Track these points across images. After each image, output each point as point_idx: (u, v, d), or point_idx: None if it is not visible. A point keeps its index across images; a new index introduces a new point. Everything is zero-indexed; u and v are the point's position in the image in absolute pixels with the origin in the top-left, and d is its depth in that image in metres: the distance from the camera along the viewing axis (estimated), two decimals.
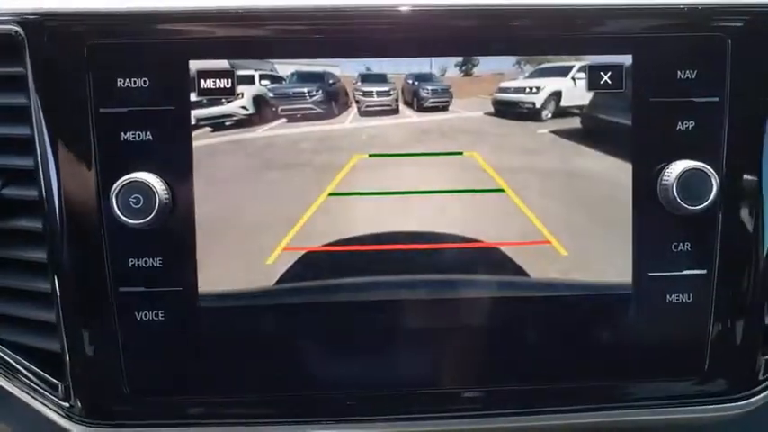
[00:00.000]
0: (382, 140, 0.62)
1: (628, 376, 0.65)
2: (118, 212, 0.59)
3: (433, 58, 0.62)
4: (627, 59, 0.62)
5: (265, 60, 0.61)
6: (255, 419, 0.64)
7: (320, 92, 0.62)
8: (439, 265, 0.63)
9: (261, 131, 0.62)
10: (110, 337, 0.62)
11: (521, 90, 0.64)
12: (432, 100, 0.63)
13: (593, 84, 0.63)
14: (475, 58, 0.63)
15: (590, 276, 0.64)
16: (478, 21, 0.62)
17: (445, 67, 0.62)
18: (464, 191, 0.63)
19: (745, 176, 0.64)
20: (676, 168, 0.62)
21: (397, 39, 0.62)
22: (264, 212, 0.62)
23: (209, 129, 0.61)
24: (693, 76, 0.63)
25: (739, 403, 0.66)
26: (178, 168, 0.61)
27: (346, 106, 0.63)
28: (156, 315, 0.62)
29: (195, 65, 0.60)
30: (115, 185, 0.59)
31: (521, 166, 0.64)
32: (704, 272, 0.64)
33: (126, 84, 0.60)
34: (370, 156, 0.62)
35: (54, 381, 0.64)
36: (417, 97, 0.63)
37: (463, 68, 0.63)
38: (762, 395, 0.66)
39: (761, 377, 0.66)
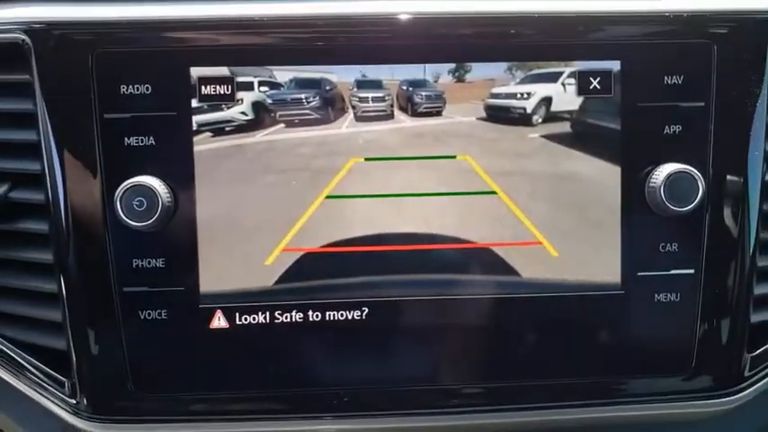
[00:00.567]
0: (378, 144, 0.64)
1: (616, 373, 0.67)
2: (122, 215, 0.61)
3: (427, 65, 0.64)
4: (615, 65, 0.64)
5: (264, 67, 0.63)
6: (256, 415, 0.66)
7: (317, 98, 0.64)
8: (433, 265, 0.65)
9: (260, 136, 0.64)
10: (114, 336, 0.64)
11: (512, 95, 0.66)
12: (426, 105, 0.65)
13: (582, 89, 0.65)
14: (467, 64, 0.64)
15: (580, 276, 0.66)
16: (471, 28, 0.64)
17: (438, 73, 0.64)
18: (457, 193, 0.65)
19: (730, 179, 0.66)
20: (663, 171, 0.63)
21: (392, 46, 0.64)
22: (263, 215, 0.64)
23: (209, 134, 0.63)
24: (680, 82, 0.65)
25: (725, 399, 0.68)
26: (180, 172, 0.63)
27: (343, 111, 0.64)
28: (159, 314, 0.64)
29: (196, 72, 0.62)
30: (119, 189, 0.61)
31: (512, 169, 0.66)
32: (691, 271, 0.66)
33: (129, 90, 0.62)
34: (366, 159, 0.64)
35: (60, 378, 0.66)
36: (412, 103, 0.65)
37: (456, 74, 0.65)
38: (747, 391, 0.68)
39: (746, 374, 0.68)
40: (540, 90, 0.65)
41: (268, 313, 0.65)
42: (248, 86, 0.63)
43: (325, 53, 0.63)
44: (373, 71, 0.64)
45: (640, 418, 0.68)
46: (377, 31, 0.63)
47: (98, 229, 0.63)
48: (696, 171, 0.63)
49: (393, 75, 0.64)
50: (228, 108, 0.63)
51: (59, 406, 0.66)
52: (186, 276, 0.64)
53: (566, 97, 0.65)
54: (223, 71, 0.63)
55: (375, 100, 0.64)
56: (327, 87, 0.64)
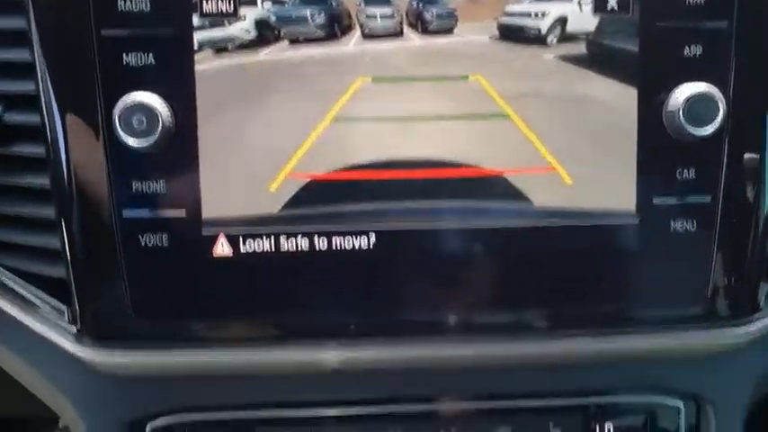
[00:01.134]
0: (386, 63, 0.62)
1: (629, 302, 0.65)
2: (121, 134, 0.59)
3: None
4: None
5: None
6: (257, 342, 0.64)
7: (323, 15, 0.62)
8: (442, 191, 0.63)
9: (263, 55, 0.61)
10: (114, 262, 0.62)
11: (526, 15, 0.63)
12: (436, 23, 0.62)
13: (599, 7, 0.62)
14: None
15: (594, 204, 0.64)
16: None
17: None
18: (468, 116, 0.63)
19: (753, 102, 0.63)
20: (683, 93, 0.61)
21: None
22: (267, 138, 0.62)
23: (211, 52, 0.61)
24: (702, 1, 0.63)
25: (740, 329, 0.66)
26: (181, 92, 0.60)
27: (350, 29, 0.62)
28: (160, 240, 0.62)
29: None
30: (118, 105, 0.58)
31: (526, 91, 0.63)
32: (708, 199, 0.64)
33: (127, 6, 0.60)
34: (374, 79, 0.62)
35: (60, 306, 0.65)
36: (422, 20, 0.62)
37: None
38: (763, 322, 0.67)
39: (762, 305, 0.67)
40: (555, 9, 0.62)
41: (273, 240, 0.63)
42: (251, 2, 0.61)
43: None
44: None
45: (653, 350, 0.67)
46: None
47: (96, 151, 0.60)
48: (718, 92, 0.61)
49: None
50: (231, 25, 0.61)
51: (60, 334, 0.65)
52: (188, 201, 0.61)
53: (582, 17, 0.62)
54: None
55: (383, 17, 0.61)
56: (333, 4, 0.61)
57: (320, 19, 0.61)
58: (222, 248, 0.63)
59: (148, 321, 0.63)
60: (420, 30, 0.61)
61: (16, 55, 0.62)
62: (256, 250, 0.63)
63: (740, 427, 0.74)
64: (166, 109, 0.59)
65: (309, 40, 0.61)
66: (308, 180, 0.62)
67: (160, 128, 0.58)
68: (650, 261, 0.65)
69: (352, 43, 0.61)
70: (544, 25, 0.63)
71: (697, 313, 0.65)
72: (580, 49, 0.62)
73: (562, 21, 0.63)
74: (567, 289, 0.65)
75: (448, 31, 0.62)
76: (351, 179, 0.63)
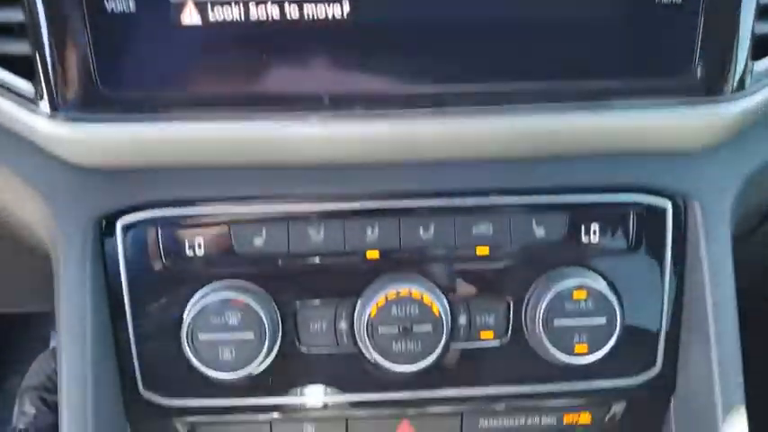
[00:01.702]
0: None
1: (615, 72, 0.63)
2: None
3: None
4: None
5: None
6: (227, 113, 0.62)
7: None
8: None
9: None
10: (79, 30, 0.59)
11: None
12: None
13: None
14: None
15: None
16: None
17: None
18: None
19: None
20: None
21: None
22: None
23: None
24: None
25: (726, 106, 0.63)
26: None
27: None
28: (127, 5, 0.59)
29: None
30: None
31: None
32: None
33: None
34: None
35: (27, 84, 0.62)
36: None
37: None
38: (748, 101, 0.65)
39: (748, 84, 0.64)
40: None
41: (242, 8, 0.60)
42: None
43: None
44: None
45: (638, 128, 0.64)
46: None
47: None
48: None
49: None
50: None
51: (29, 112, 0.62)
52: None
53: None
54: None
55: None
56: None
57: None
58: (190, 16, 0.60)
59: (116, 91, 0.61)
60: None
61: None
62: (225, 18, 0.60)
63: (728, 229, 0.72)
64: None
65: None
66: None
67: None
68: (638, 33, 0.62)
69: None
70: None
71: (682, 85, 0.63)
72: None
73: None
74: (552, 59, 0.62)
75: None
76: None
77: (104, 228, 0.70)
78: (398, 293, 0.69)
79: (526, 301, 0.72)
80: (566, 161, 0.70)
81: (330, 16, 0.60)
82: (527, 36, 0.62)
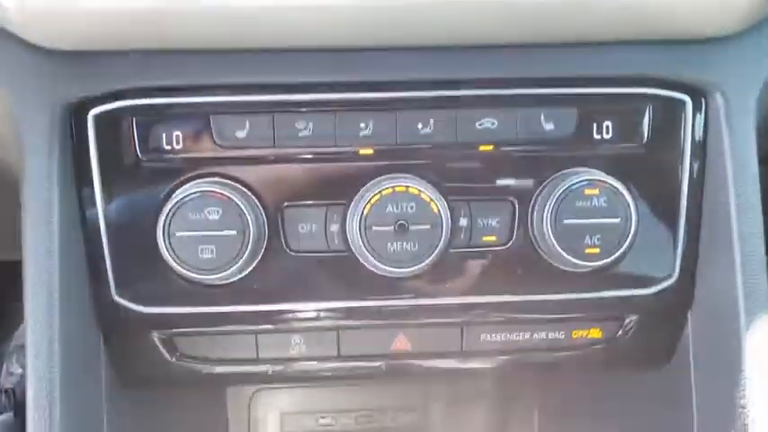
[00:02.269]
0: None
1: None
2: None
3: None
4: None
5: None
6: None
7: None
8: None
9: None
10: None
11: None
12: None
13: None
14: None
15: None
16: None
17: None
18: None
19: None
20: None
21: None
22: None
23: None
24: None
25: None
26: None
27: None
28: None
29: None
30: None
31: None
32: None
33: None
34: None
35: None
36: None
37: None
38: None
39: None
40: None
41: None
42: None
43: None
44: None
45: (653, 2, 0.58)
46: None
47: None
48: None
49: None
50: None
51: None
52: None
53: None
54: None
55: None
56: None
57: None
58: None
59: None
60: None
61: None
62: None
63: (752, 124, 0.66)
64: None
65: None
66: None
67: None
68: None
69: None
70: None
71: None
72: None
73: None
74: None
75: None
76: None
77: (74, 118, 0.64)
78: (394, 189, 0.63)
79: (533, 200, 0.66)
80: (577, 49, 0.64)
81: None
82: None
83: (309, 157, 0.65)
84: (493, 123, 0.65)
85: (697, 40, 0.63)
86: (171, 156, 0.65)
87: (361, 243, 0.64)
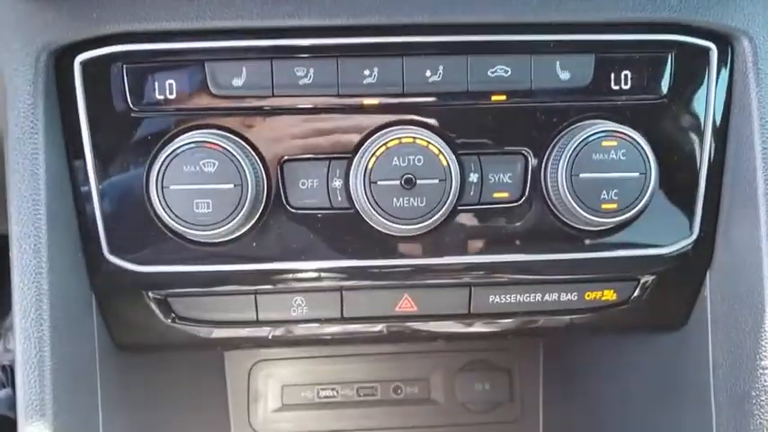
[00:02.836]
0: None
1: None
2: None
3: None
4: None
5: None
6: None
7: None
8: None
9: None
10: None
11: None
12: None
13: None
14: None
15: None
16: None
17: None
18: None
19: None
20: None
21: None
22: None
23: None
24: None
25: None
26: None
27: None
28: None
29: None
30: None
31: None
32: None
33: None
34: None
35: None
36: None
37: None
38: None
39: None
40: None
41: None
42: None
43: None
44: None
45: None
46: None
47: None
48: None
49: None
50: None
51: None
52: None
53: None
54: None
55: None
56: None
57: None
58: None
59: None
60: None
61: None
62: None
63: None
64: None
65: None
66: None
67: None
68: None
69: None
70: None
71: None
72: None
73: None
74: None
75: None
76: None
77: (60, 65, 0.60)
78: (401, 140, 0.60)
79: (547, 153, 0.62)
80: None
81: None
82: None
83: (310, 107, 0.62)
84: (506, 71, 0.62)
85: None
86: (164, 106, 0.61)
87: (365, 199, 0.60)
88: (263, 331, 0.69)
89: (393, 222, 0.61)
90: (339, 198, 0.62)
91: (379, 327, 0.69)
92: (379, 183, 0.60)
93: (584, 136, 0.60)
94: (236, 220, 0.59)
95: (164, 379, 0.86)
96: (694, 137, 0.64)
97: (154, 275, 0.64)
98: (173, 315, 0.67)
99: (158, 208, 0.59)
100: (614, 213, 0.61)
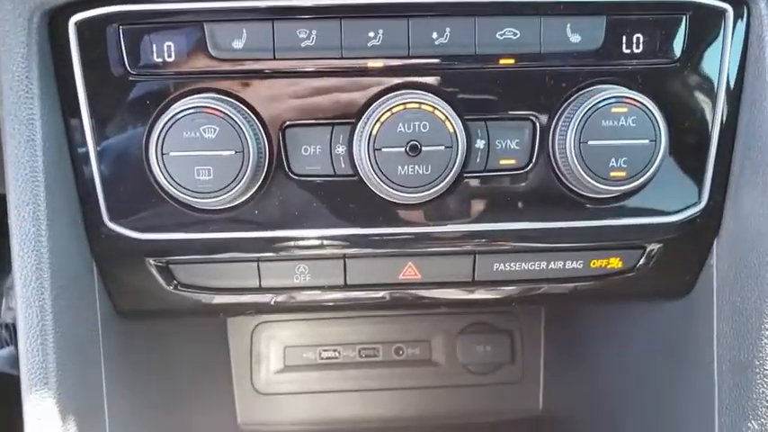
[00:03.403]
0: None
1: None
2: None
3: None
4: None
5: None
6: None
7: None
8: None
9: None
10: None
11: None
12: None
13: None
14: None
15: None
16: None
17: None
18: None
19: None
20: None
21: None
22: None
23: None
24: None
25: None
26: None
27: None
28: None
29: None
30: None
31: None
32: None
33: None
34: None
35: None
36: None
37: None
38: None
39: None
40: None
41: None
42: None
43: None
44: None
45: None
46: None
47: None
48: None
49: None
50: None
51: None
52: None
53: None
54: None
55: None
56: None
57: None
58: None
59: None
60: None
61: None
62: None
63: None
64: None
65: None
66: None
67: None
68: None
69: None
70: None
71: None
72: None
73: None
74: None
75: None
76: None
77: (55, 26, 0.58)
78: (406, 106, 0.58)
79: (556, 119, 0.61)
80: None
81: None
82: None
83: (312, 70, 0.60)
84: (515, 34, 0.60)
85: None
86: (162, 69, 0.59)
87: (369, 166, 0.59)
88: (266, 298, 0.68)
89: (397, 190, 0.60)
90: (342, 165, 0.61)
91: (381, 294, 0.69)
92: (383, 150, 0.59)
93: (594, 102, 0.58)
94: (237, 188, 0.58)
95: (166, 343, 0.86)
96: (706, 103, 0.62)
97: (154, 242, 0.63)
98: (174, 282, 0.66)
99: (158, 175, 0.58)
100: (623, 181, 0.60)
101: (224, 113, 0.57)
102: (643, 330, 0.83)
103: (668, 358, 0.77)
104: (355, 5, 0.58)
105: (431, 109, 0.58)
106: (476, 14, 0.59)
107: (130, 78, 0.59)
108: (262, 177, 0.61)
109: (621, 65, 0.61)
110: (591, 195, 0.63)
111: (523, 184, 0.63)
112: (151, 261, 0.65)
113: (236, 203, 0.61)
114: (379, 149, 0.59)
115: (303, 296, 0.68)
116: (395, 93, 0.60)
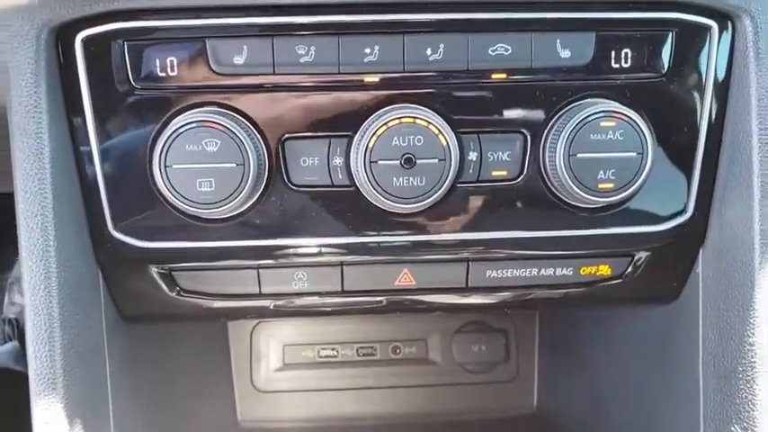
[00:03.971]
0: None
1: None
2: None
3: None
4: None
5: None
6: None
7: None
8: None
9: None
10: None
11: None
12: None
13: None
14: None
15: None
16: None
17: None
18: None
19: None
20: None
21: None
22: None
23: None
24: None
25: None
26: None
27: None
28: None
29: None
30: None
31: None
32: None
33: None
34: None
35: None
36: None
37: None
38: None
39: None
40: None
41: None
42: None
43: None
44: None
45: None
46: None
47: None
48: None
49: None
50: None
51: None
52: None
53: None
54: None
55: None
56: None
57: None
58: None
59: None
60: None
61: None
62: None
63: None
64: None
65: None
66: None
67: None
68: None
69: None
70: None
71: None
72: None
73: None
74: None
75: None
76: None
77: (62, 43, 0.60)
78: (401, 120, 0.60)
79: (546, 132, 0.63)
80: None
81: None
82: None
83: (311, 85, 0.62)
84: (507, 50, 0.62)
85: None
86: (165, 83, 0.61)
87: (365, 178, 0.61)
88: (266, 303, 0.70)
89: (393, 201, 0.62)
90: (340, 176, 0.63)
91: (377, 299, 0.71)
92: (379, 162, 0.61)
93: (583, 116, 0.60)
94: (238, 199, 0.60)
95: (168, 345, 0.89)
96: (693, 116, 0.64)
97: (158, 251, 0.65)
98: (177, 288, 0.69)
99: (162, 187, 0.60)
100: (611, 192, 0.62)
101: (225, 127, 0.59)
102: (633, 333, 0.86)
103: (656, 361, 0.80)
104: (352, 23, 0.60)
105: (425, 123, 0.60)
106: (469, 31, 0.61)
107: (135, 92, 0.61)
108: (262, 188, 0.63)
109: (610, 79, 0.63)
110: (580, 206, 0.65)
111: (515, 195, 0.65)
112: (154, 268, 0.67)
113: (236, 213, 0.63)
114: (375, 162, 0.61)
115: (301, 302, 0.70)
116: (390, 107, 0.62)
